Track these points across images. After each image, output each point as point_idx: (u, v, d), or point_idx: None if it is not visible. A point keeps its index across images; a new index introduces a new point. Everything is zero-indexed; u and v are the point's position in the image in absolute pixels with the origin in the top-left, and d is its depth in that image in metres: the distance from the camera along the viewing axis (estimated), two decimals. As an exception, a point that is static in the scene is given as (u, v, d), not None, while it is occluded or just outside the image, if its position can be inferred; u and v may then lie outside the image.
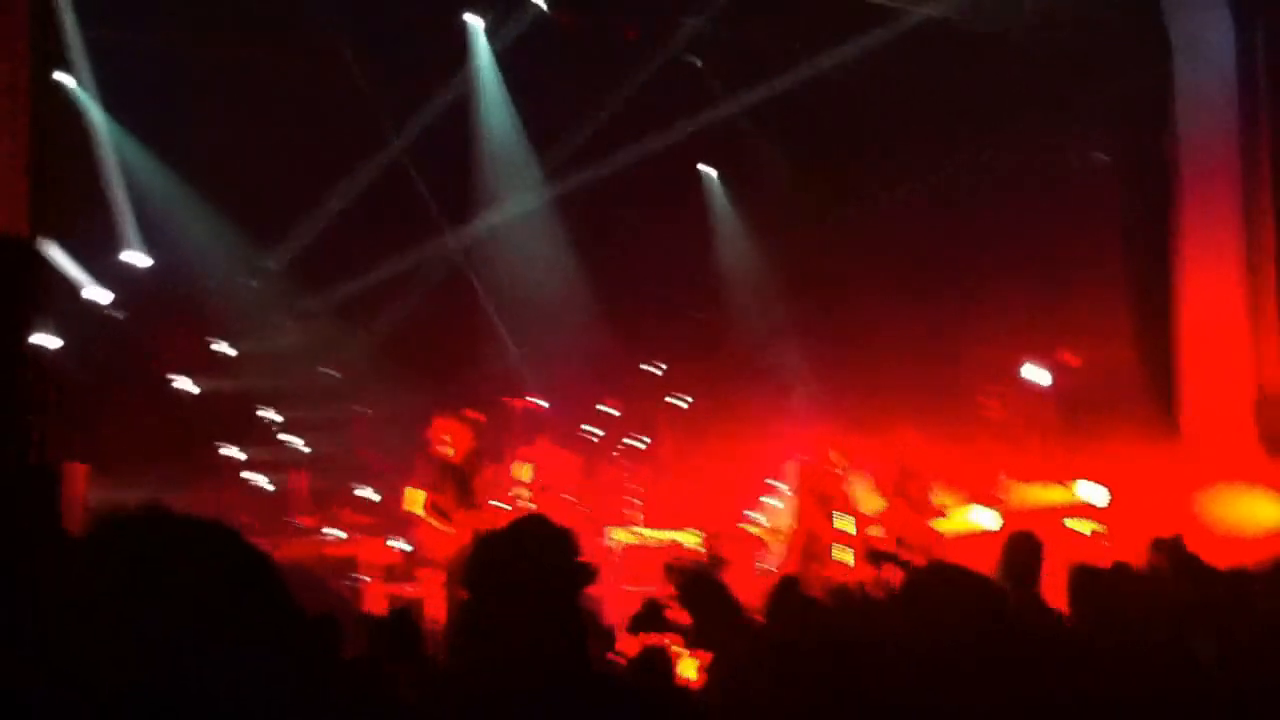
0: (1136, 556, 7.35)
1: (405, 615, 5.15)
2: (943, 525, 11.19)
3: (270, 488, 12.40)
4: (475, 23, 13.73)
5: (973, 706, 2.81)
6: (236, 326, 13.26)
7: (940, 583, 3.03)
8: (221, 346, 13.03)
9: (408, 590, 10.68)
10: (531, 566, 2.61)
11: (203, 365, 12.90)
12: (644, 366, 13.60)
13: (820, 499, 10.58)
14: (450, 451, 9.81)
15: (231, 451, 12.59)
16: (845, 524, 10.65)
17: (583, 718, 2.51)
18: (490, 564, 2.68)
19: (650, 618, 5.43)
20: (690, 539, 11.54)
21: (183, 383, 12.77)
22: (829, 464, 10.71)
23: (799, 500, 10.81)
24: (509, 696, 2.52)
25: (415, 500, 9.80)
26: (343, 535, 11.32)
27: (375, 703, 2.53)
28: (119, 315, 12.33)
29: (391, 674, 4.09)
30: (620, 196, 14.53)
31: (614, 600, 10.33)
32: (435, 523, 9.72)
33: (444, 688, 2.73)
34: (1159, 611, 5.10)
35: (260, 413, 13.13)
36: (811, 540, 10.54)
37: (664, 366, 13.75)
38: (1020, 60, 13.85)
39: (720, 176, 16.15)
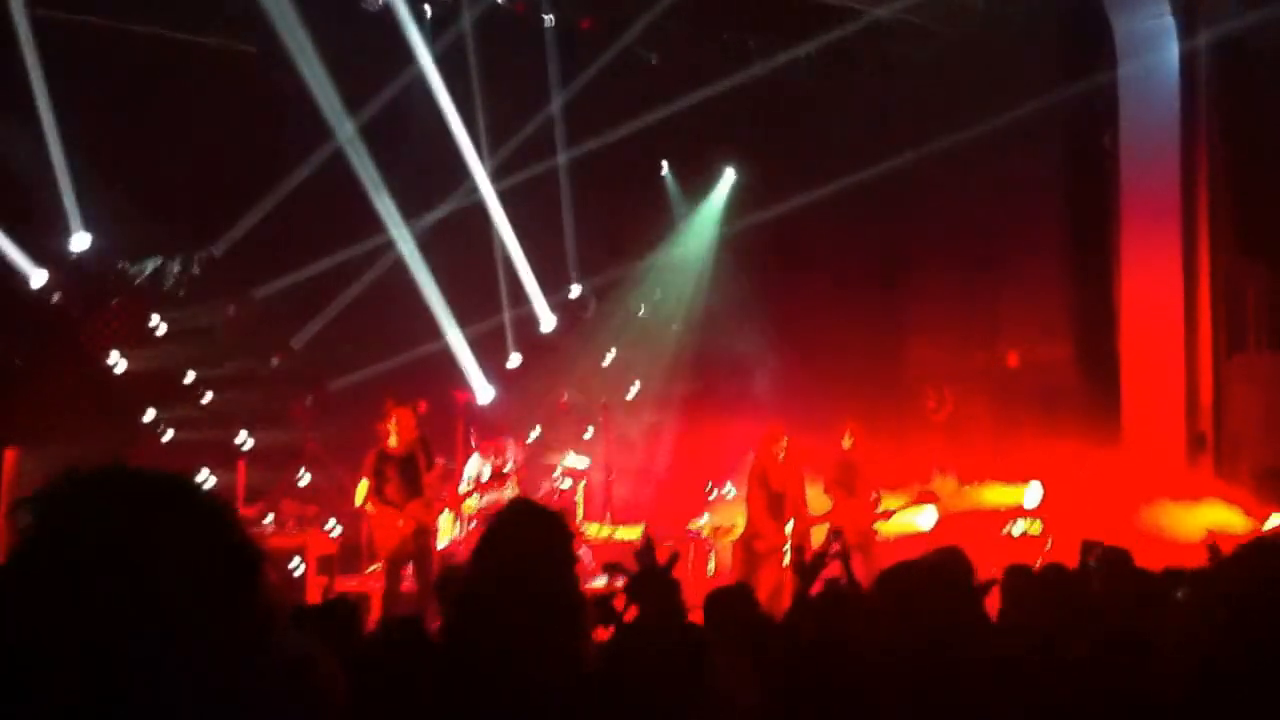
0: (1074, 558, 7.42)
1: (341, 604, 5.10)
2: (882, 525, 11.25)
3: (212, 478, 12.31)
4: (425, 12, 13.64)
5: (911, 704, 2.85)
6: (176, 313, 13.12)
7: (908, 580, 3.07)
8: (157, 323, 12.93)
9: (350, 583, 10.61)
10: (529, 548, 2.69)
11: (138, 340, 12.77)
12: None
13: (769, 493, 10.56)
14: (394, 440, 9.78)
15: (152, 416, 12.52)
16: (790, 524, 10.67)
17: (575, 695, 2.57)
18: (492, 546, 2.76)
19: (594, 611, 5.41)
20: (636, 535, 11.54)
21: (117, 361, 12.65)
22: (774, 454, 10.67)
23: (746, 495, 10.79)
24: (505, 675, 2.57)
25: (362, 490, 9.77)
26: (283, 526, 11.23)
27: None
28: (54, 298, 12.19)
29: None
30: (575, 188, 14.53)
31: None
32: (381, 513, 9.68)
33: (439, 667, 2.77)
34: (1089, 610, 5.17)
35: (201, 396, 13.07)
36: (755, 537, 10.53)
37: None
38: (965, 61, 14.01)
39: (675, 171, 16.19)
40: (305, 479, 12.44)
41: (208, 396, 13.16)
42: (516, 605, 2.65)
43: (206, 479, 11.95)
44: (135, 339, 12.79)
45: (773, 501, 10.53)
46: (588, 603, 2.96)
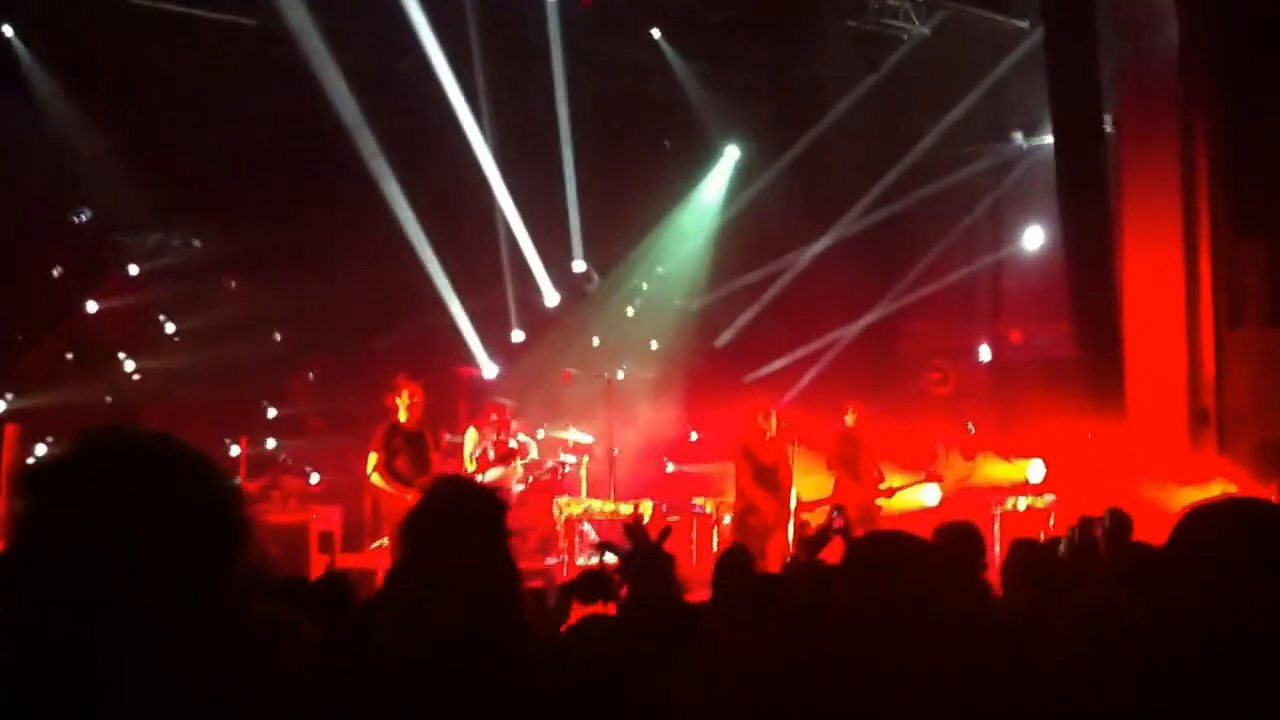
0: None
1: (336, 578, 5.10)
2: (886, 502, 11.27)
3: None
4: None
5: (913, 676, 2.85)
6: (176, 289, 13.11)
7: (879, 549, 3.06)
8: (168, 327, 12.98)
9: (353, 559, 10.61)
10: (456, 523, 2.68)
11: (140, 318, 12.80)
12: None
13: (756, 468, 10.59)
14: (404, 415, 9.78)
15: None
16: (788, 496, 10.69)
17: (506, 669, 2.56)
18: (418, 522, 2.75)
19: (589, 587, 5.42)
20: (641, 511, 11.55)
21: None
22: (761, 430, 10.69)
23: (736, 471, 10.82)
24: (438, 649, 2.56)
25: (372, 463, 9.76)
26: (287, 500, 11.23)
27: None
28: (55, 271, 12.22)
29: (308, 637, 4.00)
30: (578, 163, 14.50)
31: (567, 571, 10.32)
32: (390, 487, 9.65)
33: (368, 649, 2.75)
34: (1090, 583, 5.18)
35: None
36: (749, 511, 10.55)
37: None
38: (964, 41, 13.97)
39: (677, 147, 16.14)
40: (307, 454, 12.45)
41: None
42: (447, 581, 2.64)
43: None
44: (136, 316, 12.80)
45: (762, 475, 10.54)
46: (521, 576, 2.94)
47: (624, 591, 4.02)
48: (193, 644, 1.70)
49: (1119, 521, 6.99)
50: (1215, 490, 10.93)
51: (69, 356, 12.42)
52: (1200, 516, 2.22)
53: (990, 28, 14.24)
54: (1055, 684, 3.91)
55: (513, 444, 11.65)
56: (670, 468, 14.01)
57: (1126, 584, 4.98)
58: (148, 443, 1.79)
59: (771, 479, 10.55)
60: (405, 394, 9.79)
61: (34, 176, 12.02)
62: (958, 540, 5.51)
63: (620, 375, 13.12)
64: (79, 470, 1.73)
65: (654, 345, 15.73)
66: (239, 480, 10.90)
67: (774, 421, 10.66)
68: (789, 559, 9.71)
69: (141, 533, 1.69)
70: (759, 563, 9.77)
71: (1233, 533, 2.14)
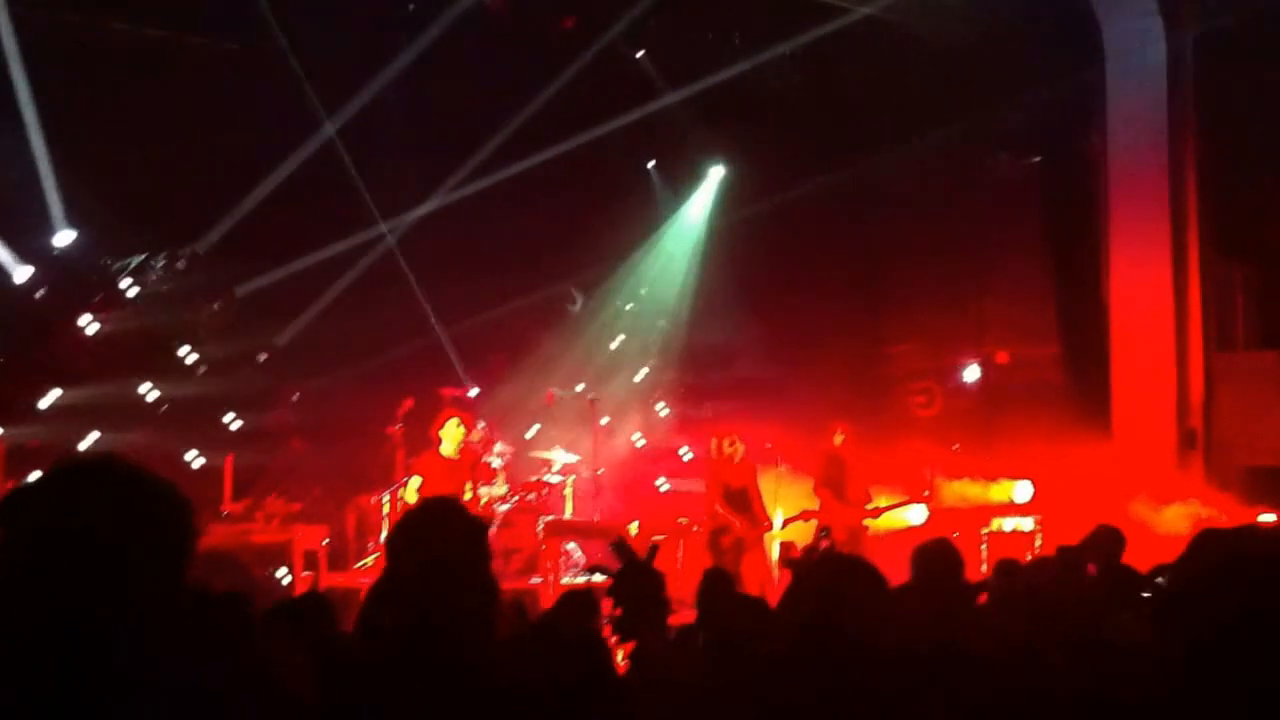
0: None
1: (314, 599, 5.04)
2: (872, 522, 11.27)
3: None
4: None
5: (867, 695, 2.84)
6: (162, 312, 13.02)
7: (826, 573, 3.04)
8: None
9: (338, 579, 10.55)
10: (438, 540, 2.70)
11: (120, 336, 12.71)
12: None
13: (724, 491, 10.64)
14: (451, 448, 9.73)
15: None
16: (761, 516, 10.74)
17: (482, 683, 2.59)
18: (402, 540, 2.77)
19: (579, 606, 5.38)
20: (629, 531, 11.52)
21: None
22: (728, 454, 10.74)
23: (706, 494, 10.90)
24: (420, 659, 2.58)
25: (413, 487, 9.75)
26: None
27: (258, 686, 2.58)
28: (38, 294, 12.12)
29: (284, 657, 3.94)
30: (558, 187, 14.48)
31: (552, 592, 10.28)
32: None
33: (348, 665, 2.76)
34: (1076, 604, 5.16)
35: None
36: (720, 532, 10.57)
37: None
38: (950, 62, 14.00)
39: (660, 168, 16.14)
40: (291, 475, 12.36)
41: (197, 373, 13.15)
42: (432, 599, 2.66)
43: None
44: (117, 336, 12.69)
45: (730, 498, 10.60)
46: (500, 594, 2.97)
47: (617, 611, 3.97)
48: (147, 654, 1.75)
49: (1110, 542, 6.97)
50: (1195, 509, 10.98)
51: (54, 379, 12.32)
52: (1216, 539, 2.20)
53: (976, 49, 14.27)
54: (1044, 703, 3.89)
55: (496, 461, 11.62)
56: (664, 486, 13.97)
57: (1119, 608, 4.97)
58: (106, 465, 1.89)
59: (740, 500, 10.61)
60: (454, 423, 9.74)
61: (15, 198, 11.95)
62: (932, 560, 5.52)
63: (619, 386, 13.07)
64: (45, 496, 1.84)
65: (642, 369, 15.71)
66: (226, 500, 10.84)
67: (740, 446, 10.73)
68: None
69: (98, 546, 1.78)
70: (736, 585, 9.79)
71: (1245, 558, 2.11)
